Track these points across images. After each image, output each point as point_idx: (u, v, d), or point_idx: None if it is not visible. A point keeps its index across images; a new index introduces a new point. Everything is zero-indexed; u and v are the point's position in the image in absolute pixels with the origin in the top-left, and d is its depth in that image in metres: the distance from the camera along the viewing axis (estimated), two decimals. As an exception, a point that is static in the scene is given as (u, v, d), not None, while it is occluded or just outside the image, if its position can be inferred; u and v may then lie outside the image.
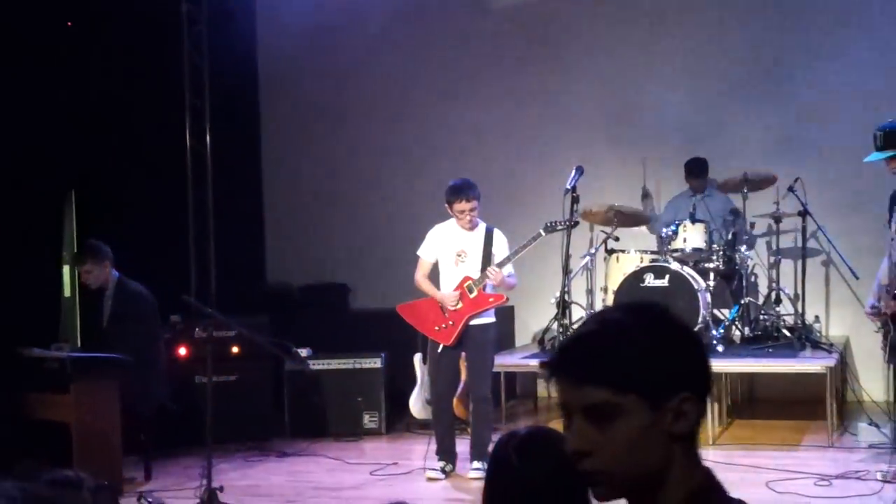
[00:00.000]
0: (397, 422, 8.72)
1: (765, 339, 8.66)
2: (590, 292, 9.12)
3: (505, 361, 8.49)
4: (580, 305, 9.06)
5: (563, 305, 8.33)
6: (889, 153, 5.82)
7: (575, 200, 6.99)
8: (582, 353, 1.65)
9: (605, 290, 8.88)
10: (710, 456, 7.40)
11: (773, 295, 8.92)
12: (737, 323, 8.85)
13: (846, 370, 9.04)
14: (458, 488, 6.81)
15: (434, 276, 7.19)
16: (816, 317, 9.06)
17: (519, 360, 8.85)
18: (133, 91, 9.23)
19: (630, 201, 9.36)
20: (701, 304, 8.18)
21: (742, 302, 8.83)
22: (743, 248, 8.92)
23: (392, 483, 7.02)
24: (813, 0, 9.83)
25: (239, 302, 9.07)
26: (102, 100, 9.10)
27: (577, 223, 7.02)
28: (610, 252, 8.89)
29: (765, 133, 9.75)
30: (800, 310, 8.73)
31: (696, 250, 8.66)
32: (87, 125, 9.00)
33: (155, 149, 9.16)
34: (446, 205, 7.00)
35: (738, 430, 8.32)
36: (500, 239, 7.10)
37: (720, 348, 8.25)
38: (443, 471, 7.05)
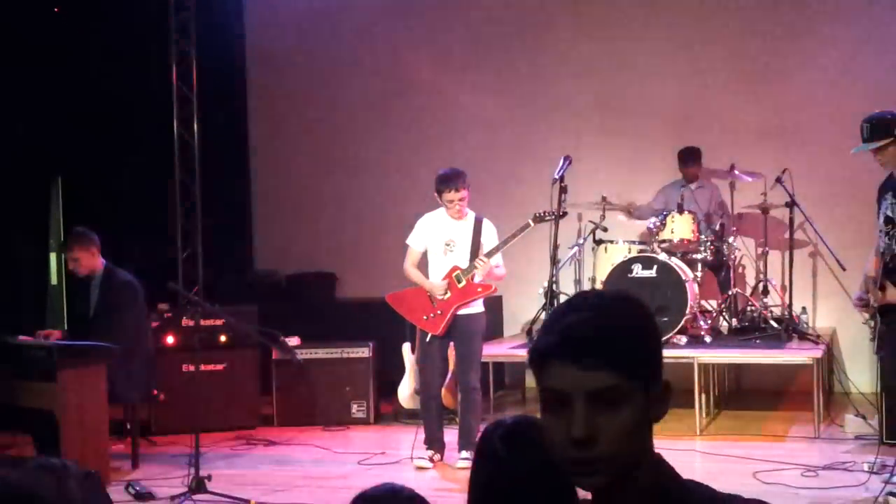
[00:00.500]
0: (385, 411, 8.72)
1: (752, 330, 8.68)
2: (578, 282, 9.13)
3: (493, 351, 8.49)
4: (568, 296, 9.05)
5: (552, 296, 8.33)
6: (875, 144, 5.81)
7: (563, 190, 6.98)
8: (591, 338, 1.65)
9: (594, 280, 8.89)
10: (698, 447, 7.45)
11: (761, 286, 8.94)
12: (724, 314, 8.87)
13: (833, 361, 9.07)
14: (445, 478, 6.81)
15: (423, 265, 7.18)
16: (804, 308, 9.08)
17: (507, 350, 8.85)
18: (120, 78, 9.20)
19: (618, 190, 9.36)
20: (688, 294, 8.19)
21: (729, 293, 8.85)
22: (731, 239, 8.93)
23: (380, 472, 7.01)
24: (802, -9, 9.84)
25: (227, 290, 9.07)
26: (89, 87, 9.07)
27: (565, 213, 7.02)
28: (598, 242, 8.89)
29: (753, 124, 9.75)
30: (787, 301, 8.76)
31: (684, 241, 8.66)
32: (74, 112, 8.97)
33: (142, 136, 9.14)
34: (436, 194, 6.98)
35: (725, 421, 8.34)
36: (489, 229, 7.09)
37: (708, 339, 8.28)
38: (431, 460, 7.05)
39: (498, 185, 9.88)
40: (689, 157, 9.41)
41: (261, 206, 11.26)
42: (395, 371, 8.34)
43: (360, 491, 2.02)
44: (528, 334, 9.17)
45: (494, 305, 9.30)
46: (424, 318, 7.04)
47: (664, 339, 8.15)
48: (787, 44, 9.73)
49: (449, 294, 6.98)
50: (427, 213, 7.18)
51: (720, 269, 8.99)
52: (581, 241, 9.02)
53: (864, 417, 7.62)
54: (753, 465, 6.76)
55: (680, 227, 8.65)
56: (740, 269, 9.28)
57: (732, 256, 8.98)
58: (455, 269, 7.00)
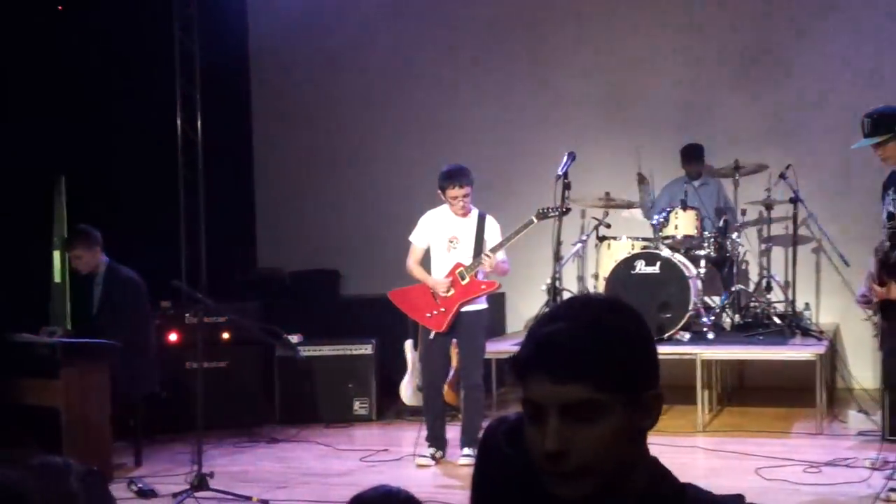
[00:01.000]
0: (388, 408, 8.72)
1: (755, 326, 8.67)
2: (581, 279, 9.13)
3: (496, 348, 8.48)
4: (571, 292, 9.06)
5: (554, 292, 8.32)
6: (876, 139, 5.81)
7: (566, 187, 6.97)
8: (566, 350, 1.62)
9: (597, 276, 8.89)
10: (700, 443, 7.45)
11: (764, 282, 8.94)
12: (727, 310, 8.87)
13: (836, 358, 9.06)
14: (448, 475, 6.82)
15: (426, 262, 7.18)
16: (807, 304, 9.07)
17: (510, 346, 8.83)
18: (123, 75, 9.20)
19: (623, 187, 9.36)
20: (692, 291, 8.19)
21: (733, 289, 8.85)
22: (734, 235, 8.93)
23: (382, 470, 7.02)
24: (805, -14, 9.83)
25: (230, 288, 9.06)
26: (93, 84, 9.06)
27: (568, 210, 7.01)
28: (601, 239, 8.89)
29: (757, 120, 9.74)
30: (790, 297, 8.74)
31: (687, 237, 8.66)
32: (77, 110, 8.96)
33: (145, 133, 9.12)
34: (439, 191, 6.99)
35: (727, 417, 8.34)
36: (492, 225, 7.09)
37: (711, 335, 8.27)
38: (433, 457, 7.06)
39: (501, 181, 9.87)
40: (692, 154, 9.41)
41: (264, 203, 11.26)
42: (397, 368, 8.34)
43: (357, 493, 2.01)
44: (531, 331, 9.14)
45: (497, 302, 9.30)
46: (427, 315, 7.04)
47: (667, 335, 8.17)
48: (790, 39, 9.72)
49: (452, 291, 6.98)
50: (430, 209, 7.18)
51: (723, 266, 8.98)
52: (584, 237, 9.02)
53: (866, 413, 7.63)
54: (756, 461, 6.76)
55: (683, 224, 8.65)
56: (743, 266, 9.27)
57: (736, 252, 8.97)
58: (458, 265, 7.00)
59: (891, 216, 5.81)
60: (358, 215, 10.70)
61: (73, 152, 8.85)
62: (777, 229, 9.16)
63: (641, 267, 8.35)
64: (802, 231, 9.05)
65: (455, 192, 6.89)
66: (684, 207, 8.71)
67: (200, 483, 6.15)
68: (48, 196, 8.92)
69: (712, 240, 8.78)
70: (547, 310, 1.76)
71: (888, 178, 6.01)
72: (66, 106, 8.87)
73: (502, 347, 8.77)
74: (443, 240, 7.07)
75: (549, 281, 8.35)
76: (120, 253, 7.52)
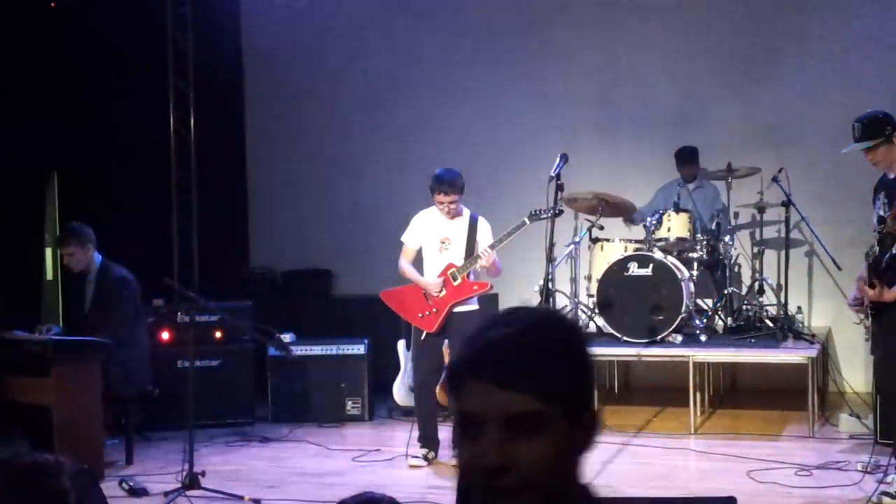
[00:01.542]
0: (380, 408, 8.72)
1: (747, 329, 8.68)
2: (574, 281, 9.13)
3: (488, 349, 8.48)
4: (564, 294, 9.07)
5: (547, 294, 8.32)
6: (867, 144, 5.81)
7: (559, 188, 6.97)
8: (513, 357, 1.52)
9: (589, 278, 8.89)
10: (692, 445, 7.46)
11: (756, 285, 8.95)
12: (720, 313, 8.88)
13: (828, 361, 9.07)
14: (440, 475, 6.81)
15: (418, 262, 7.18)
16: (799, 307, 9.09)
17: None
18: (117, 73, 9.19)
19: (615, 189, 9.35)
20: (684, 293, 8.20)
21: (725, 292, 8.85)
22: (727, 238, 8.94)
23: (374, 470, 7.02)
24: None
25: (222, 286, 9.04)
26: (85, 81, 9.05)
27: (561, 211, 7.01)
28: (594, 241, 8.89)
29: (750, 122, 9.75)
30: (782, 300, 8.76)
31: (680, 240, 8.67)
32: (70, 108, 8.95)
33: (138, 131, 9.11)
34: (430, 190, 6.99)
35: (719, 420, 8.34)
36: (484, 227, 7.09)
37: (703, 338, 8.29)
38: (425, 458, 7.05)
39: (494, 182, 9.87)
40: (687, 157, 9.41)
41: (257, 202, 11.25)
42: (390, 368, 8.34)
43: (341, 500, 2.00)
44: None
45: (490, 303, 9.27)
46: (419, 315, 7.04)
47: (659, 337, 8.18)
48: (784, 43, 9.72)
49: (444, 292, 6.98)
50: (423, 210, 7.18)
51: (716, 268, 8.99)
52: (577, 239, 9.02)
53: (858, 417, 7.63)
54: (748, 463, 6.77)
55: (676, 226, 8.66)
56: (736, 269, 9.28)
57: (728, 255, 8.98)
58: (450, 266, 7.00)
59: (881, 220, 5.82)
60: (351, 215, 10.69)
61: (65, 150, 8.85)
62: (769, 232, 9.18)
63: (634, 269, 8.36)
64: (795, 234, 9.07)
65: (441, 198, 6.91)
66: (677, 210, 8.72)
67: (192, 482, 6.14)
68: (41, 194, 8.91)
69: (705, 242, 8.79)
70: (487, 316, 1.66)
71: (879, 181, 6.02)
72: (59, 104, 8.86)
73: (495, 348, 8.76)
74: (435, 240, 7.07)
75: (541, 282, 8.35)
76: (112, 251, 7.50)
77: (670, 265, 8.31)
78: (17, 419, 6.81)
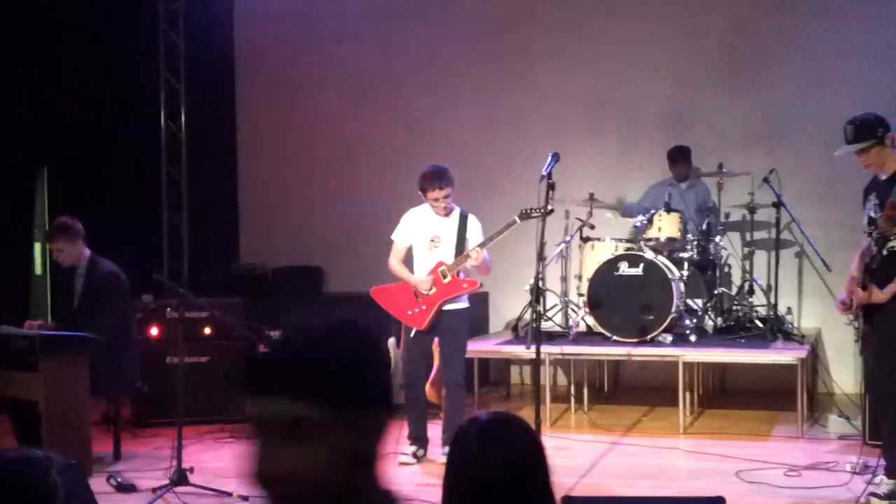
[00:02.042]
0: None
1: (737, 329, 8.69)
2: (564, 280, 9.14)
3: (478, 347, 8.49)
4: (554, 293, 9.08)
5: (537, 292, 8.32)
6: (859, 146, 5.81)
7: (550, 187, 6.97)
8: (285, 365, 1.57)
9: (580, 277, 8.89)
10: (681, 445, 7.45)
11: (747, 286, 8.96)
12: (710, 313, 8.88)
13: (817, 362, 9.09)
14: (429, 473, 6.80)
15: (408, 260, 7.16)
16: (789, 308, 9.10)
17: (492, 346, 8.85)
18: (107, 68, 9.15)
19: (606, 188, 9.36)
20: (674, 293, 8.20)
21: (715, 292, 8.86)
22: (717, 238, 8.94)
23: (363, 467, 6.99)
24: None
25: (212, 283, 9.03)
26: (76, 76, 9.01)
27: (552, 210, 7.00)
28: (585, 240, 8.89)
29: (742, 123, 9.76)
30: (772, 301, 8.77)
31: (670, 240, 8.67)
32: (60, 102, 8.92)
33: (129, 126, 9.08)
34: (420, 192, 6.97)
35: (708, 420, 8.35)
36: (474, 225, 7.08)
37: (693, 338, 8.29)
38: (414, 456, 7.04)
39: (485, 181, 9.86)
40: (679, 157, 9.42)
41: (247, 198, 11.22)
42: (379, 366, 8.30)
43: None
44: (514, 331, 9.17)
45: (480, 301, 9.30)
46: (409, 313, 7.03)
47: (649, 337, 8.18)
48: (776, 44, 9.73)
49: (434, 289, 6.97)
50: (413, 208, 7.16)
51: (706, 269, 9.00)
52: (568, 238, 9.02)
53: (847, 418, 7.64)
54: (736, 464, 6.77)
55: (667, 226, 8.66)
56: (726, 269, 9.29)
57: (719, 256, 8.99)
58: (440, 264, 6.99)
59: (871, 221, 5.82)
60: (341, 212, 10.67)
61: (56, 145, 8.82)
62: (760, 233, 9.19)
63: (625, 268, 8.36)
64: (785, 235, 9.08)
65: (436, 193, 6.88)
66: (668, 210, 8.72)
67: (180, 478, 6.12)
68: (30, 188, 8.87)
69: (695, 242, 8.80)
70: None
71: (870, 183, 6.02)
72: (49, 99, 8.82)
73: (485, 347, 8.78)
74: (425, 238, 7.05)
75: (532, 281, 8.35)
76: (102, 246, 7.47)
77: (661, 265, 8.31)
78: (5, 414, 6.78)
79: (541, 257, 7.09)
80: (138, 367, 7.43)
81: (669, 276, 8.27)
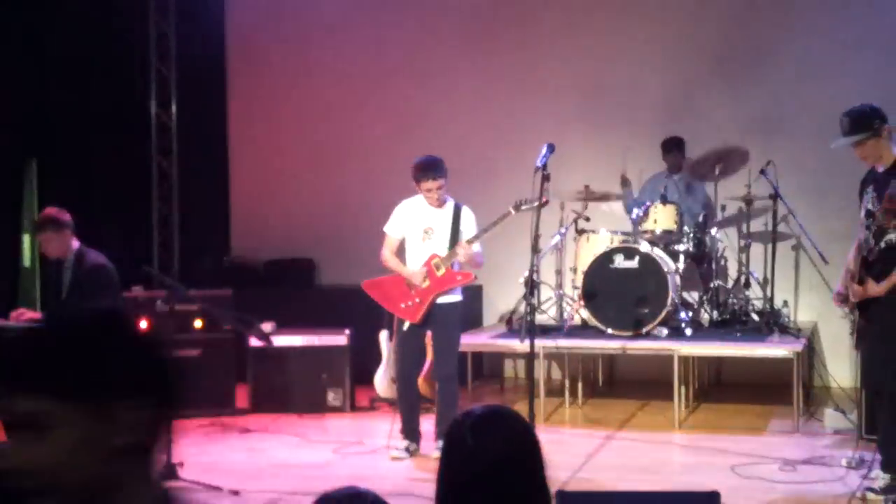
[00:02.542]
0: (362, 400, 8.64)
1: (733, 322, 8.65)
2: (559, 272, 9.07)
3: (472, 341, 8.44)
4: (549, 285, 9.01)
5: (532, 285, 8.25)
6: (855, 138, 5.76)
7: (545, 178, 6.90)
8: (13, 358, 1.50)
9: (575, 270, 8.83)
10: (676, 439, 7.42)
11: (743, 279, 8.91)
12: (705, 306, 8.83)
13: (813, 356, 9.05)
14: (421, 468, 6.75)
15: (401, 253, 7.09)
16: (785, 301, 9.05)
17: (486, 339, 8.80)
18: (97, 58, 9.07)
19: (602, 179, 9.29)
20: (670, 286, 8.15)
21: (711, 285, 8.81)
22: (713, 230, 8.89)
23: (355, 462, 6.95)
24: (789, -18, 9.80)
25: (203, 275, 8.96)
26: (65, 66, 8.93)
27: (547, 202, 6.94)
28: (580, 232, 8.84)
29: (739, 115, 9.70)
30: (769, 294, 8.71)
31: (666, 232, 8.62)
32: (49, 92, 8.84)
33: (119, 117, 9.00)
34: (413, 182, 6.91)
35: (704, 414, 8.31)
36: (468, 216, 7.01)
37: (688, 331, 8.24)
38: (407, 450, 6.99)
39: (479, 172, 9.80)
40: (672, 147, 9.38)
41: (239, 190, 11.14)
42: (372, 359, 8.27)
43: (323, 493, 1.93)
44: (508, 324, 9.11)
45: (474, 294, 9.24)
46: (402, 305, 6.97)
47: (645, 330, 8.12)
48: (773, 35, 9.68)
49: (427, 282, 6.90)
50: (406, 199, 7.09)
51: (702, 261, 8.94)
52: (563, 230, 8.96)
53: (843, 412, 7.60)
54: (732, 458, 6.73)
55: (663, 218, 8.61)
56: (722, 262, 9.23)
57: (715, 248, 8.93)
58: (434, 256, 6.92)
59: (869, 214, 5.77)
60: (334, 204, 10.61)
61: (45, 137, 8.73)
62: (756, 226, 9.12)
63: (620, 261, 8.30)
64: (782, 228, 9.01)
65: (429, 184, 6.82)
66: (664, 202, 8.67)
67: (170, 472, 6.05)
68: (19, 179, 8.79)
69: (691, 235, 8.74)
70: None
71: (866, 175, 5.97)
72: (38, 90, 8.74)
73: (478, 340, 8.72)
74: (418, 230, 6.99)
75: (526, 273, 8.28)
76: (91, 238, 7.39)
77: (656, 258, 8.25)
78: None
79: (535, 249, 7.01)
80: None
81: (665, 268, 8.21)
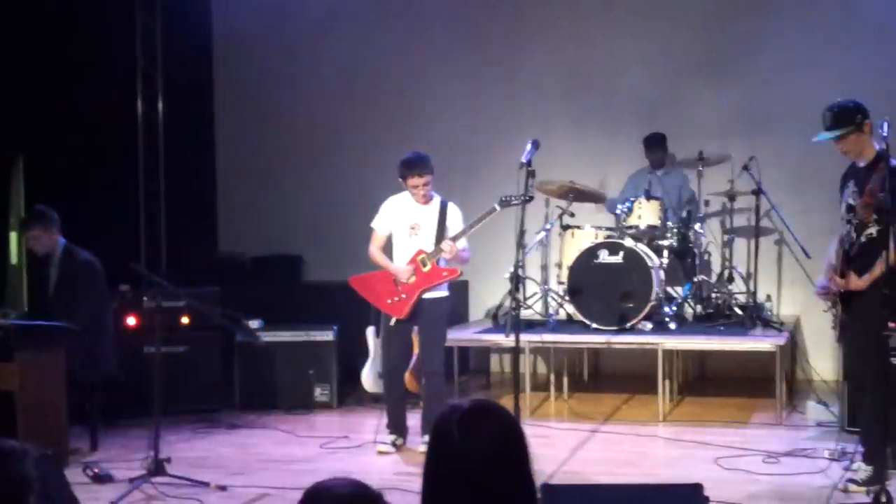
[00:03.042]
0: (349, 395, 8.67)
1: (717, 317, 8.71)
2: (544, 268, 9.12)
3: (458, 336, 8.48)
4: (534, 281, 9.06)
5: (517, 280, 8.30)
6: (837, 132, 5.81)
7: (530, 175, 6.95)
8: None
9: (560, 265, 8.88)
10: (660, 432, 7.47)
11: (726, 273, 8.97)
12: (689, 301, 8.89)
13: (796, 349, 9.12)
14: (408, 462, 6.79)
15: (387, 248, 7.13)
16: (768, 296, 9.12)
17: (472, 334, 8.84)
18: (84, 55, 9.06)
19: (586, 176, 9.34)
20: (654, 281, 8.21)
21: (695, 280, 8.87)
22: (697, 225, 8.95)
23: (342, 456, 6.98)
24: (772, -22, 9.85)
25: (190, 272, 8.96)
26: (52, 63, 8.92)
27: (531, 198, 6.98)
28: (565, 228, 8.88)
29: (722, 110, 9.77)
30: (752, 288, 8.78)
31: (650, 227, 8.68)
32: (35, 89, 8.82)
33: (105, 115, 8.99)
34: (400, 179, 6.94)
35: (687, 407, 8.37)
36: (454, 213, 7.05)
37: (672, 325, 8.30)
38: (393, 444, 7.02)
39: (465, 169, 9.84)
40: (655, 143, 9.44)
41: (226, 186, 11.15)
42: (359, 355, 8.29)
43: (317, 482, 1.97)
44: (494, 319, 9.16)
45: (460, 289, 9.27)
46: (389, 301, 7.00)
47: (629, 325, 8.19)
48: (754, 32, 9.74)
49: (414, 278, 6.94)
50: (392, 196, 7.13)
51: (686, 256, 9.00)
52: (548, 226, 9.01)
53: (825, 405, 7.67)
54: (715, 450, 6.79)
55: (647, 214, 8.67)
56: (706, 256, 9.30)
57: (698, 243, 9.00)
58: (420, 252, 6.96)
59: (850, 208, 5.82)
60: (321, 200, 10.63)
61: (32, 134, 8.72)
62: (739, 220, 9.20)
63: (605, 256, 8.36)
64: (765, 223, 9.08)
65: (415, 181, 6.85)
66: (648, 198, 8.73)
67: (157, 468, 6.08)
68: (5, 176, 8.77)
69: (675, 230, 8.80)
70: None
71: (847, 170, 6.02)
72: (24, 87, 8.73)
73: (465, 335, 8.76)
74: (404, 226, 7.02)
75: (512, 269, 8.32)
76: (78, 235, 7.41)
77: (641, 253, 8.31)
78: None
79: (521, 245, 7.06)
80: (115, 356, 7.39)
81: (649, 263, 8.27)
